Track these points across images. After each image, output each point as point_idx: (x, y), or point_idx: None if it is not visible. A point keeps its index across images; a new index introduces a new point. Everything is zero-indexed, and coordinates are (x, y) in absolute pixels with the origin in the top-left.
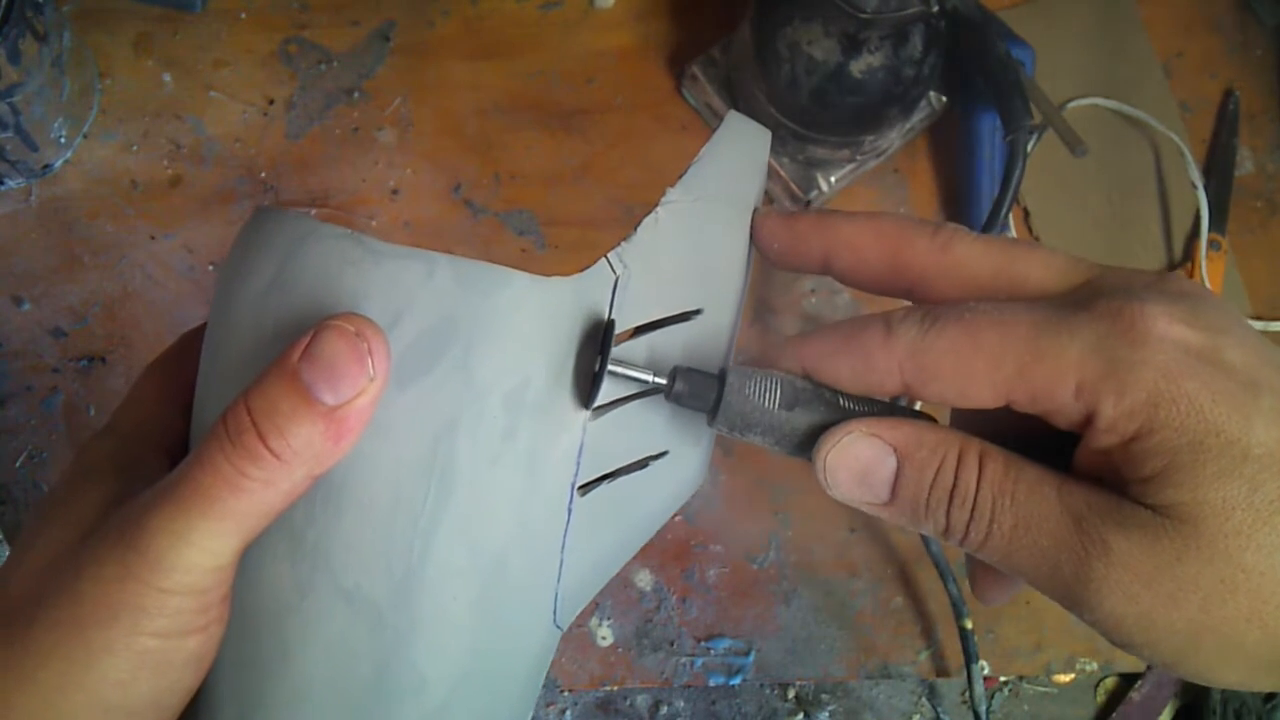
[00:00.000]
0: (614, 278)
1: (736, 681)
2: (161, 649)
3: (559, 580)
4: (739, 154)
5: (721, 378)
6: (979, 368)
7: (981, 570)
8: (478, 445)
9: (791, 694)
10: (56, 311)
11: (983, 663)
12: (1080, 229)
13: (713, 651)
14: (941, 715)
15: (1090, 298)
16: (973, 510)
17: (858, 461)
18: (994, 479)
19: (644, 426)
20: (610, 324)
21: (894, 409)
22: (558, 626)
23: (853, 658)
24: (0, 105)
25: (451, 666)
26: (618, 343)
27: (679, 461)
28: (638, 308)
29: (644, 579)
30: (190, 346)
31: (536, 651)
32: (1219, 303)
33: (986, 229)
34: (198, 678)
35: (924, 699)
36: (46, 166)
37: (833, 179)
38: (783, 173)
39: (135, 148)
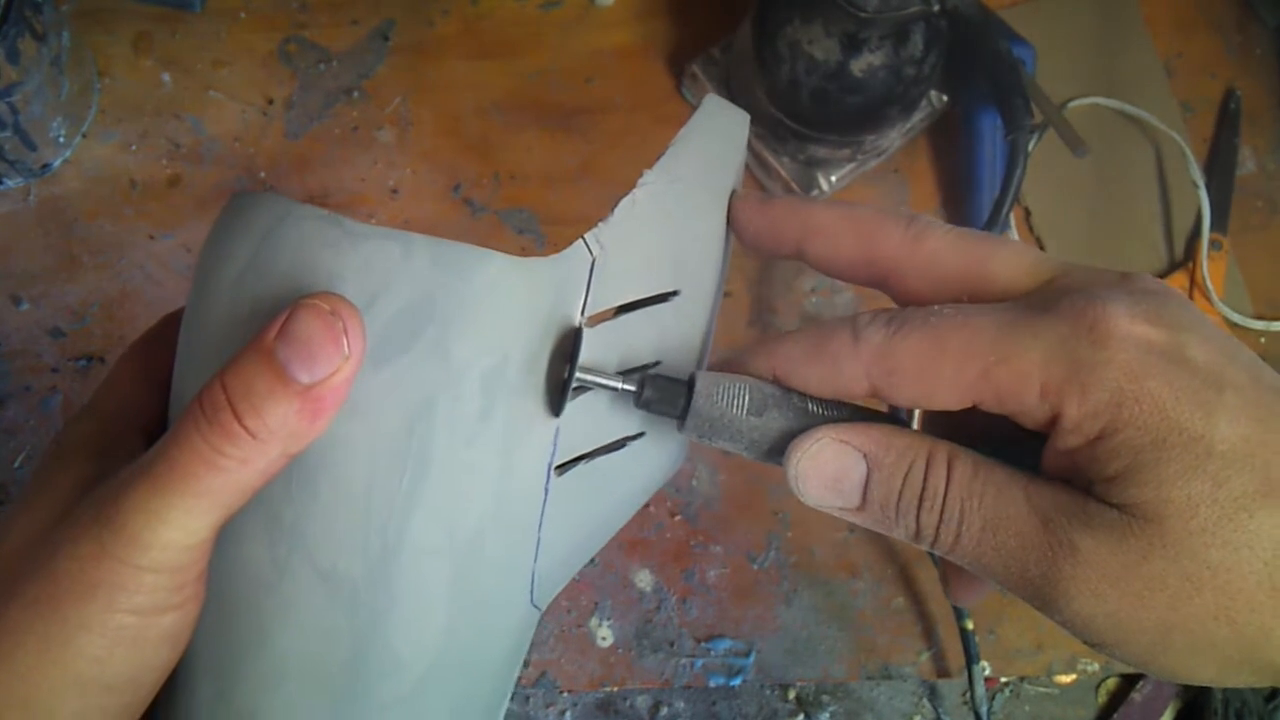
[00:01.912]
0: (591, 259)
1: (737, 682)
2: (138, 626)
3: (536, 560)
4: (717, 137)
5: (690, 384)
6: (945, 371)
7: (953, 571)
8: (454, 425)
9: (792, 695)
10: (55, 311)
11: (984, 663)
12: (1081, 229)
13: (713, 652)
14: (942, 716)
15: (1054, 298)
16: (941, 513)
17: (827, 468)
18: (962, 482)
19: (621, 407)
20: (579, 332)
21: (863, 413)
22: (535, 606)
23: (853, 658)
24: None
25: (427, 645)
26: (597, 322)
27: (657, 442)
28: (615, 288)
29: (644, 579)
30: (170, 329)
31: (514, 631)
32: (1183, 300)
33: (987, 229)
34: (174, 655)
35: (925, 700)
36: (45, 166)
37: (833, 178)
38: (783, 172)
39: (134, 147)
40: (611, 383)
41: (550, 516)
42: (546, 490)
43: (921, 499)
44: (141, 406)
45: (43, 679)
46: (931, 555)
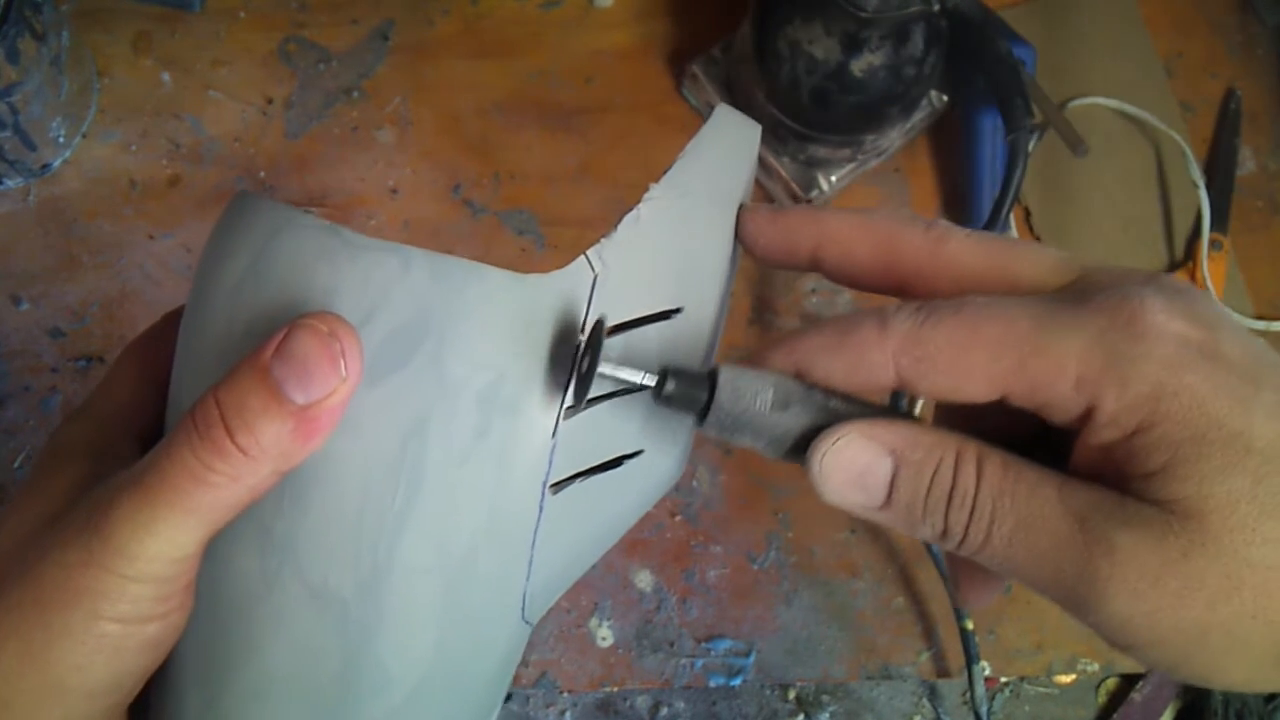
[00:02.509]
0: (593, 276)
1: (737, 682)
2: (120, 634)
3: (528, 578)
4: (727, 148)
5: (712, 377)
6: (977, 360)
7: (965, 574)
8: (448, 443)
9: (792, 695)
10: (55, 311)
11: (984, 663)
12: (1081, 229)
13: (713, 652)
14: (942, 716)
15: (1086, 293)
16: (972, 512)
17: (853, 464)
18: (993, 480)
19: (618, 424)
20: (600, 322)
21: (887, 411)
22: (527, 623)
23: (853, 658)
24: None
25: (417, 662)
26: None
27: (654, 460)
28: (617, 306)
29: (644, 579)
30: (170, 328)
31: (504, 648)
32: (1211, 299)
33: (988, 229)
34: (155, 661)
35: (925, 700)
36: (45, 166)
37: (833, 178)
38: (783, 172)
39: (134, 147)
40: (632, 375)
41: (544, 534)
42: (541, 508)
43: (951, 497)
44: (138, 408)
45: (23, 684)
46: (933, 556)
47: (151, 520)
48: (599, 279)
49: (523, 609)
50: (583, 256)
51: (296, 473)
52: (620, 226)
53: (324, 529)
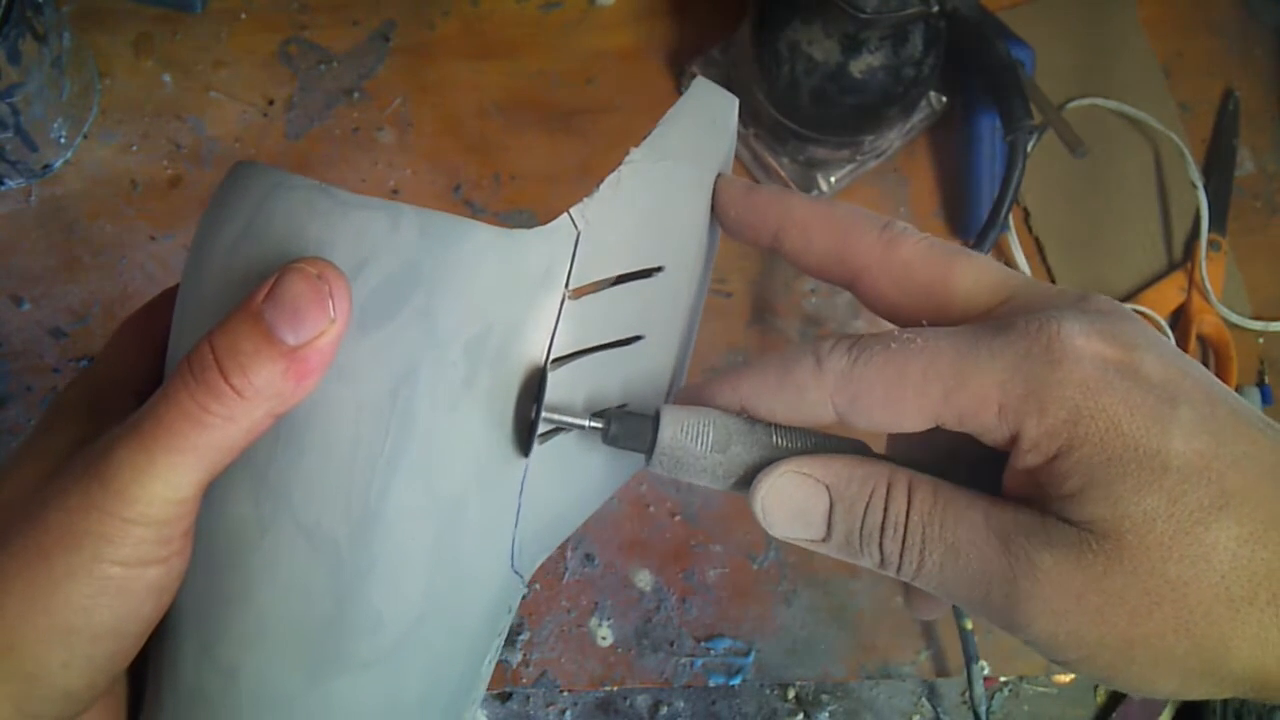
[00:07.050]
0: (576, 233)
1: (736, 682)
2: (123, 577)
3: (516, 526)
4: (704, 119)
5: (656, 421)
6: (906, 396)
7: (914, 588)
8: (437, 391)
9: (791, 694)
10: (56, 312)
11: (983, 663)
12: (1080, 229)
13: (713, 652)
14: (941, 715)
15: (1011, 317)
16: (904, 540)
17: (791, 501)
18: (923, 508)
19: (604, 378)
20: (544, 373)
21: (830, 442)
22: (516, 573)
23: (853, 658)
24: (0, 105)
25: (408, 605)
26: (581, 294)
27: None
28: (599, 262)
29: (644, 579)
30: (167, 301)
31: (493, 595)
32: (1137, 320)
33: (986, 229)
34: (159, 608)
35: (924, 699)
36: (46, 167)
37: (833, 179)
38: (783, 173)
39: (135, 148)
40: (577, 420)
41: (531, 484)
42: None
43: (883, 527)
44: (137, 371)
45: (29, 627)
46: None
47: (150, 464)
48: (581, 236)
49: (512, 558)
50: (566, 214)
51: (290, 418)
52: (602, 187)
53: (317, 472)
